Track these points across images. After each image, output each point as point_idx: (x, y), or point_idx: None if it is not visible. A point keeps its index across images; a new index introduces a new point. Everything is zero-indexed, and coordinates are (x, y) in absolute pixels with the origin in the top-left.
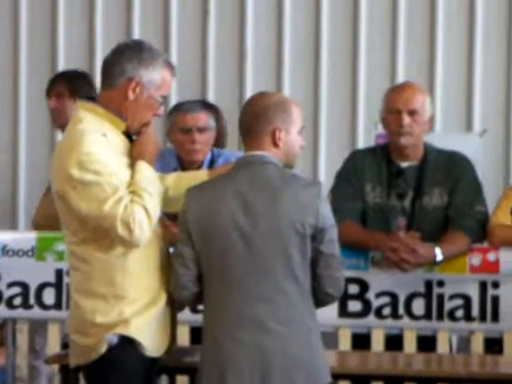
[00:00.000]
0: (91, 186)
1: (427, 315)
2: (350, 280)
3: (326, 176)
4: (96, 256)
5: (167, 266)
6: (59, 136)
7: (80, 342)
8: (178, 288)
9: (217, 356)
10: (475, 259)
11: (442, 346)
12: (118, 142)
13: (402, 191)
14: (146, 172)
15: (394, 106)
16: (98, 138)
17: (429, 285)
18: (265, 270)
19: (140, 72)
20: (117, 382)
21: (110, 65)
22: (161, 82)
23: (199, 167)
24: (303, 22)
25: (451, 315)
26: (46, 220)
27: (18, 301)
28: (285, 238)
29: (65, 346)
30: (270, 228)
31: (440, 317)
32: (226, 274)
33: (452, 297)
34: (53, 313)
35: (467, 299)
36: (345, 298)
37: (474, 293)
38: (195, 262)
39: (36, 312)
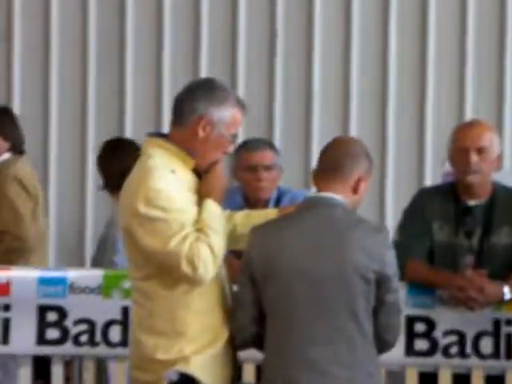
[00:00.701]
0: (158, 223)
1: (495, 354)
2: (417, 318)
3: (394, 213)
4: (159, 292)
5: (228, 305)
6: None
7: (141, 379)
8: (235, 330)
9: None
10: None
11: None
12: (187, 179)
13: (470, 229)
14: (213, 210)
15: (462, 144)
16: (167, 175)
17: (497, 323)
18: (328, 313)
19: (210, 110)
20: None
21: (181, 102)
22: (231, 120)
23: (265, 205)
24: (371, 63)
25: None
26: None
27: (84, 338)
28: (350, 282)
29: None
30: (335, 271)
31: (509, 356)
32: (289, 315)
33: None
34: (119, 350)
35: None
36: (412, 337)
37: None
38: (254, 303)
39: (102, 350)
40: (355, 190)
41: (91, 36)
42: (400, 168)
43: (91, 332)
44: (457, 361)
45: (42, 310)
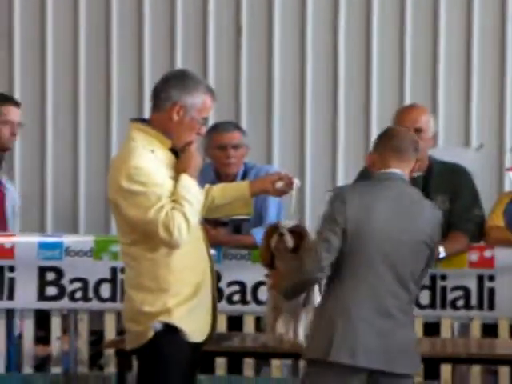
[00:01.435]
0: (138, 196)
1: (432, 305)
2: None
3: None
4: (144, 255)
5: (206, 264)
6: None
7: (132, 329)
8: (316, 269)
9: (347, 334)
10: (473, 256)
11: (446, 331)
12: (165, 157)
13: None
14: (188, 183)
15: (402, 125)
16: (147, 154)
17: (433, 278)
18: (400, 272)
19: (184, 97)
20: (162, 363)
21: (158, 91)
22: (202, 106)
23: (234, 179)
24: (323, 52)
25: (453, 304)
26: None
27: (78, 294)
28: (418, 247)
29: (119, 333)
30: (409, 236)
31: (443, 306)
32: (372, 269)
33: (453, 289)
34: (109, 304)
35: (467, 291)
36: None
37: (472, 285)
38: (337, 251)
39: (94, 304)
40: (412, 171)
41: (81, 32)
42: (349, 145)
43: (85, 289)
44: None
45: (42, 270)
